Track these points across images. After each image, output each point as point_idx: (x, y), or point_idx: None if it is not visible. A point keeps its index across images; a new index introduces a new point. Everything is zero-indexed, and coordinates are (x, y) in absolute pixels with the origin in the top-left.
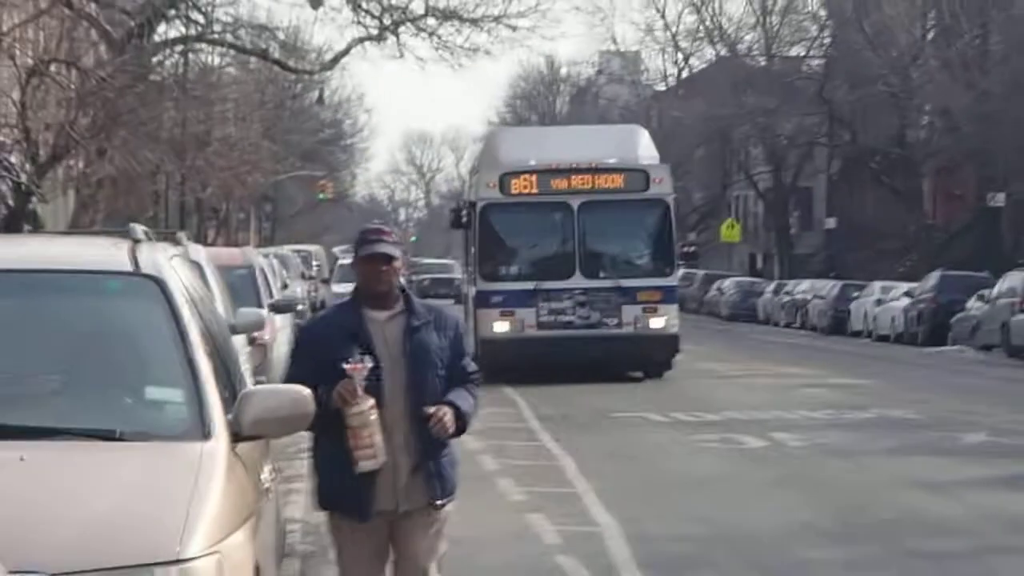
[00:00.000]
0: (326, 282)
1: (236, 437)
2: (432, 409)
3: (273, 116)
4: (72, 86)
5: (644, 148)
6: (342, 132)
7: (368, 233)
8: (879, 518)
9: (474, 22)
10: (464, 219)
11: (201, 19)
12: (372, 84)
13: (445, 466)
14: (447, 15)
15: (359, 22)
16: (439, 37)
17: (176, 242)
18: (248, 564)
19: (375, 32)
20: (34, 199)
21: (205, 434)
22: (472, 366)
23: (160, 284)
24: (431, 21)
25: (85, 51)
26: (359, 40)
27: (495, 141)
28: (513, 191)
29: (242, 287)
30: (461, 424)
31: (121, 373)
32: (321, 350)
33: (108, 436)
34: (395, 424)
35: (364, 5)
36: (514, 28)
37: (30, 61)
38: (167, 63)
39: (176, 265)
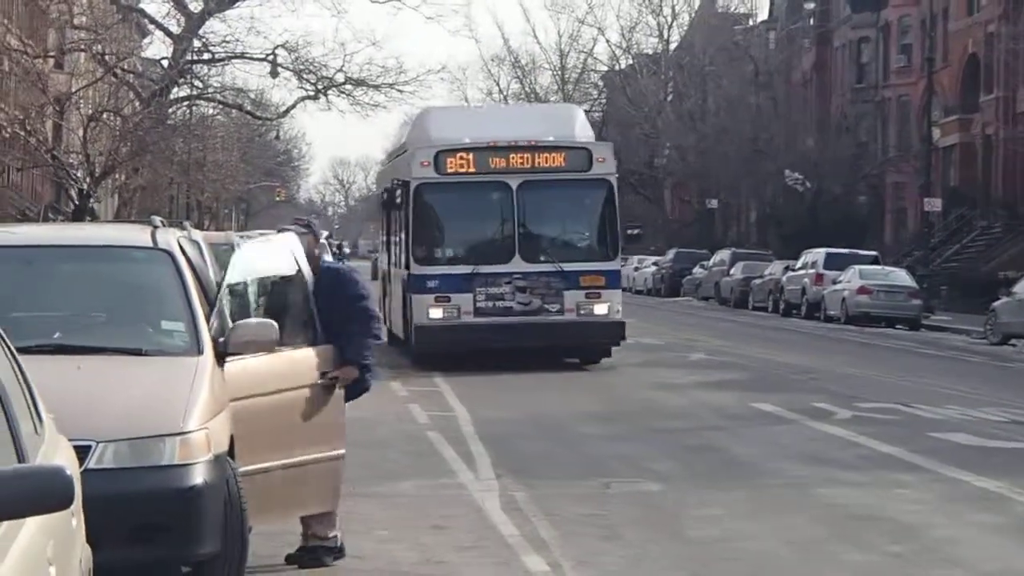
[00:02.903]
0: None
1: (221, 355)
2: None
3: (246, 147)
4: (117, 127)
5: (581, 127)
6: (291, 157)
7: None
8: (631, 407)
9: (376, 87)
10: (398, 200)
11: (200, 84)
12: (310, 126)
13: None
14: (358, 83)
15: (301, 87)
16: (354, 97)
17: (182, 228)
18: (225, 436)
19: (312, 93)
20: (92, 200)
21: (199, 352)
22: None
23: (170, 255)
24: (348, 86)
25: (125, 104)
26: (302, 98)
27: (427, 119)
28: (448, 170)
29: (225, 257)
30: None
31: (145, 312)
32: None
33: (136, 352)
34: None
35: (305, 76)
36: (401, 91)
37: (90, 111)
38: (178, 113)
39: (182, 243)
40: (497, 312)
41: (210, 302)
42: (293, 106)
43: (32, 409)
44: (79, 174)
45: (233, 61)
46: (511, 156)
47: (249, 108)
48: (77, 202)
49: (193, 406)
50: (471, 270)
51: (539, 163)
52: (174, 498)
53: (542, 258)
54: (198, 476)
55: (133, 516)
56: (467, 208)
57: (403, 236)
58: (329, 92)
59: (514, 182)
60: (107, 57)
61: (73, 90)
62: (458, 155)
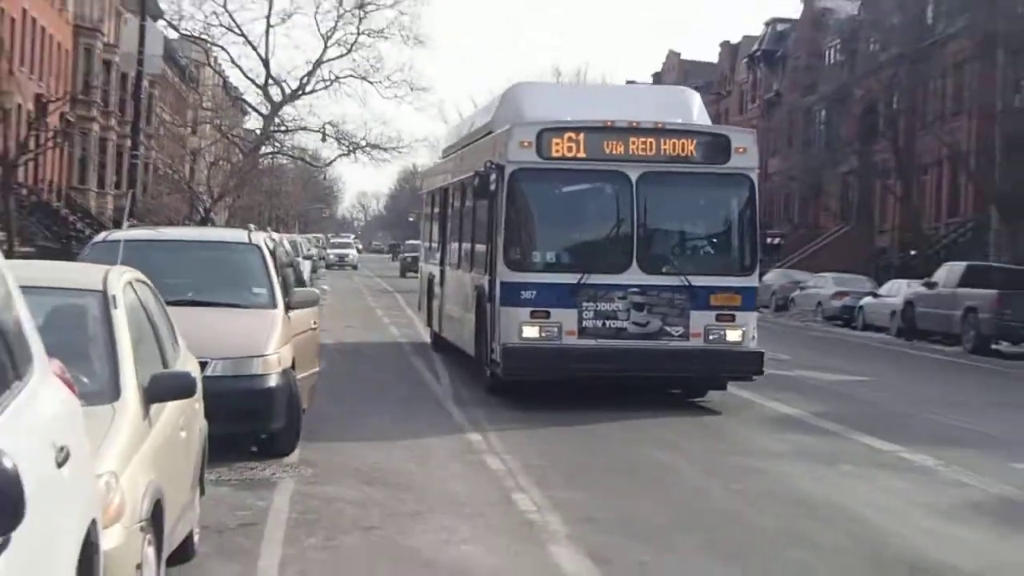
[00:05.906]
0: (326, 248)
1: (287, 308)
2: None
3: (305, 183)
4: (227, 170)
5: (700, 114)
6: (332, 190)
7: None
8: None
9: (384, 149)
10: (491, 187)
11: (278, 144)
12: (345, 171)
13: None
14: (374, 146)
15: (340, 148)
16: (371, 155)
17: (266, 232)
18: (289, 357)
19: (346, 152)
20: (211, 214)
21: (275, 306)
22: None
23: (259, 248)
24: (368, 148)
25: (233, 155)
26: (340, 155)
27: (520, 95)
28: (554, 153)
29: (296, 250)
30: None
31: (243, 282)
32: None
33: (237, 306)
34: None
35: (341, 141)
36: (400, 152)
37: (211, 159)
38: (265, 162)
39: (267, 241)
40: (607, 334)
41: (282, 275)
42: (334, 160)
43: (173, 337)
44: (204, 198)
45: (299, 131)
46: (631, 140)
47: (307, 159)
48: (202, 215)
49: (271, 339)
50: (577, 280)
51: (665, 151)
52: (258, 395)
53: (665, 269)
54: (272, 381)
55: (233, 405)
56: (575, 203)
57: (486, 235)
58: (356, 151)
59: (634, 173)
60: (222, 126)
61: (201, 146)
62: (566, 136)
